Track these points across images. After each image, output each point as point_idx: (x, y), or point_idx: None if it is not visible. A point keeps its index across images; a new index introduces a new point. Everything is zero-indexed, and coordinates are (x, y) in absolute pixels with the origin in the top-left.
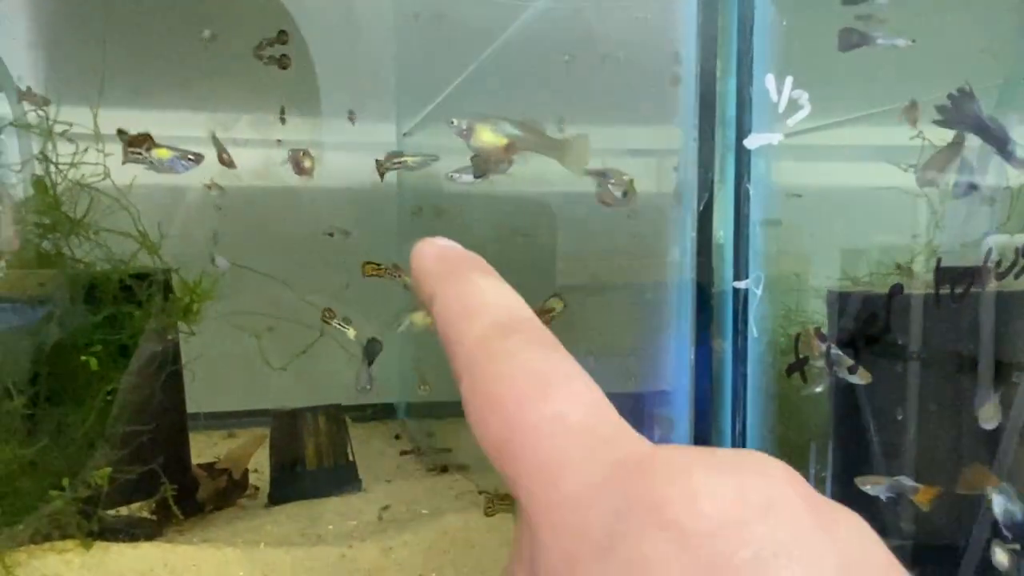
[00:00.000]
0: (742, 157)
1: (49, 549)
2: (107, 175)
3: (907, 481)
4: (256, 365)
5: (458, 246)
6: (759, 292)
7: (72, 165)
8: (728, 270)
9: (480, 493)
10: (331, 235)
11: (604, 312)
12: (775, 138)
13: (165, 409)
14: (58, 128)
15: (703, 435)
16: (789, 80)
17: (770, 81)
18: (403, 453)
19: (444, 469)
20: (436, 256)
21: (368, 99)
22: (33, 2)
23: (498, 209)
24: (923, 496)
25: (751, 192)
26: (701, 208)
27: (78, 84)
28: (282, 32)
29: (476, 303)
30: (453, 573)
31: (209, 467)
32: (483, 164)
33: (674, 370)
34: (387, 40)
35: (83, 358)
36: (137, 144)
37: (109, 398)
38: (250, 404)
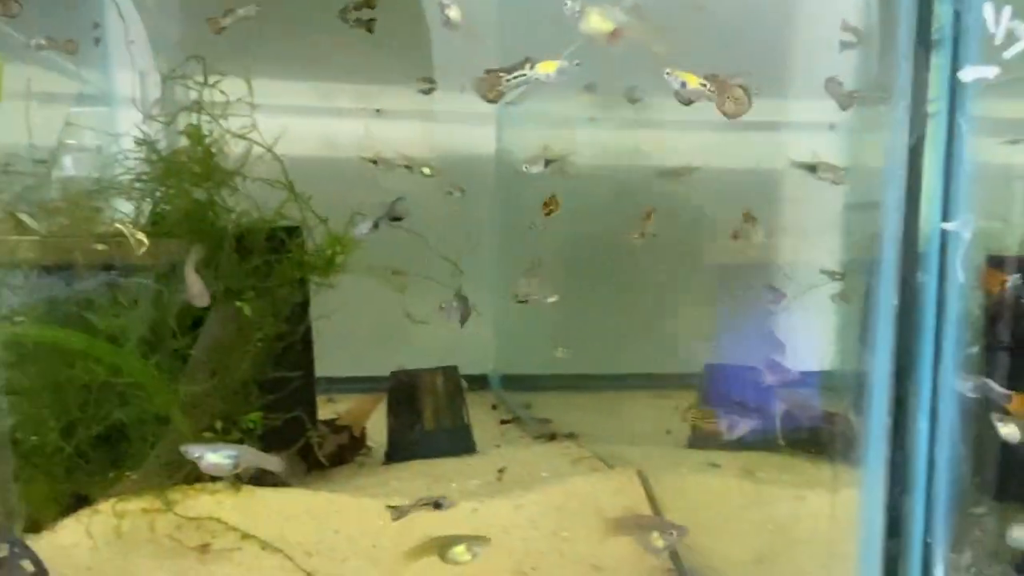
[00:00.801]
0: (956, 90)
1: (201, 490)
2: (255, 127)
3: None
4: (360, 334)
5: None
6: (967, 235)
7: (222, 115)
8: (936, 211)
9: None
10: (450, 193)
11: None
12: (991, 71)
13: (299, 362)
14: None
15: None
16: (1008, 10)
17: (988, 10)
18: (503, 422)
19: (552, 437)
20: None
21: (471, 69)
22: None
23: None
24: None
25: (964, 129)
26: (913, 143)
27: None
28: None
29: None
30: (586, 534)
31: (331, 423)
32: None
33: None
34: (490, 8)
35: (237, 304)
36: None
37: (259, 344)
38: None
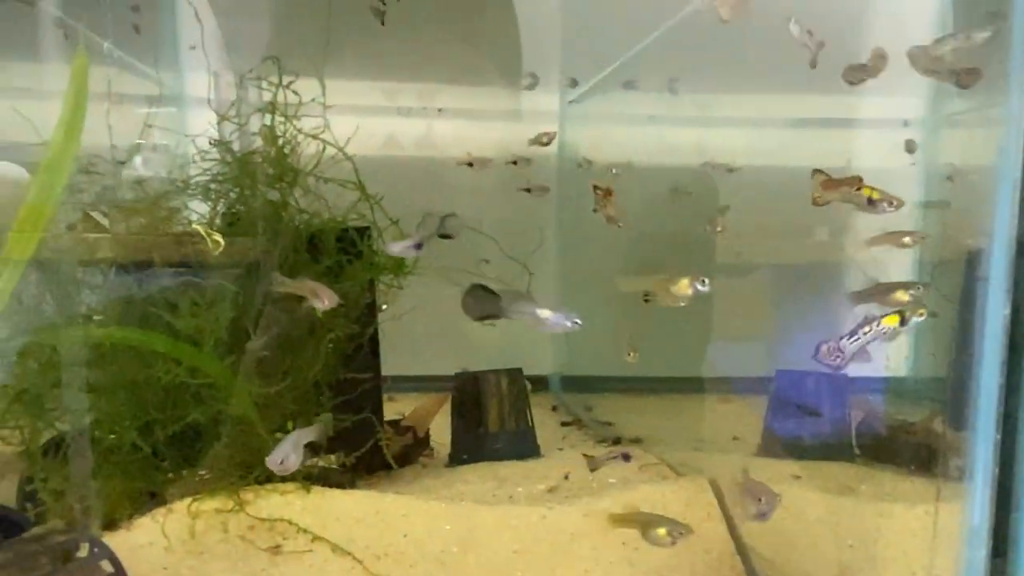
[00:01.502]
0: None
1: (272, 490)
2: (327, 127)
3: None
4: (420, 332)
5: None
6: None
7: (295, 116)
8: None
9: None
10: (528, 191)
11: None
12: None
13: (367, 363)
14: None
15: None
16: None
17: None
18: (564, 424)
19: (616, 441)
20: None
21: (532, 69)
22: None
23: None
24: None
25: None
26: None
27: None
28: None
29: None
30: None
31: (395, 424)
32: None
33: None
34: (553, 12)
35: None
36: None
37: (331, 345)
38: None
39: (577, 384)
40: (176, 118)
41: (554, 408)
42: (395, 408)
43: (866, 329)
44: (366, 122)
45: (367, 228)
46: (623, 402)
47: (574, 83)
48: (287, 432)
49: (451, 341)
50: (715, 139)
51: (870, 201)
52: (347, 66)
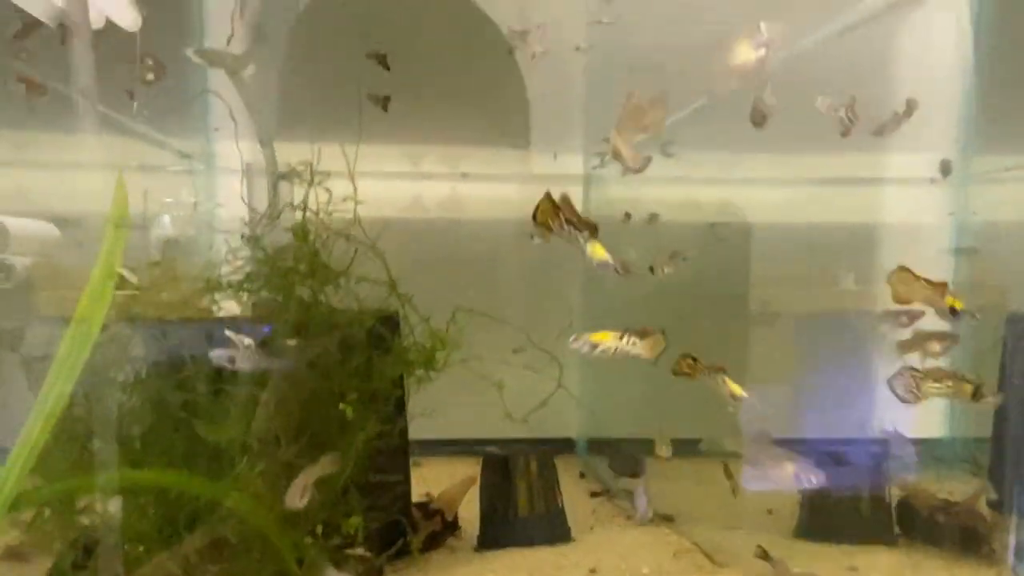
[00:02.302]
0: None
1: None
2: (358, 221)
3: None
4: (443, 394)
5: None
6: None
7: (327, 212)
8: None
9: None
10: (532, 236)
11: None
12: None
13: (397, 463)
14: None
15: None
16: None
17: None
18: (593, 495)
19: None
20: None
21: (557, 134)
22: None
23: None
24: None
25: None
26: None
27: (296, 122)
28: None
29: None
30: None
31: (423, 507)
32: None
33: None
34: (577, 80)
35: (341, 407)
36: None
37: (361, 447)
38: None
39: (604, 447)
40: (206, 183)
41: (582, 475)
42: (421, 475)
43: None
44: (392, 185)
45: (395, 318)
46: (652, 467)
47: (601, 158)
48: (315, 538)
49: (476, 404)
50: (743, 197)
51: (952, 311)
52: (374, 131)
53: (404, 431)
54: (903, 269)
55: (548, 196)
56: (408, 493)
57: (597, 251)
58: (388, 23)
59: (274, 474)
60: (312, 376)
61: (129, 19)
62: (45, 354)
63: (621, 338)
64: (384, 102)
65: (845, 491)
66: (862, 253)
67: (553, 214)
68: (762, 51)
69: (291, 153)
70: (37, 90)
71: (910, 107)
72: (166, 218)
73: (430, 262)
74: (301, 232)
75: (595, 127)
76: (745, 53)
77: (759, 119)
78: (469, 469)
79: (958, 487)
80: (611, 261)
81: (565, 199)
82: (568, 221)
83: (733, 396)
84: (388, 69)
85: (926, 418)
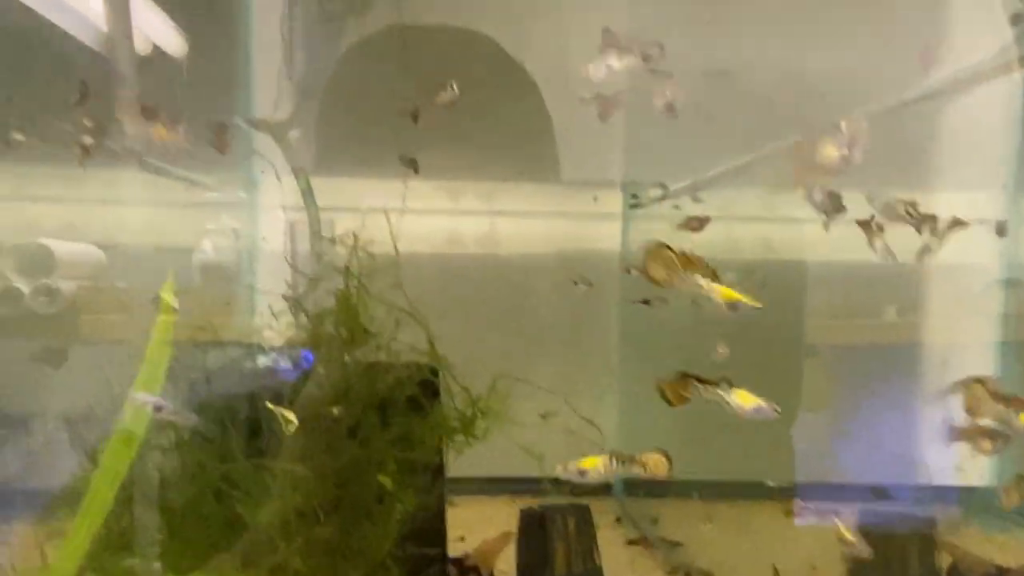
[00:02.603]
0: None
1: None
2: (399, 286)
3: None
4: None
5: None
6: None
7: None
8: None
9: None
10: (576, 283)
11: None
12: None
13: (434, 535)
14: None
15: None
16: None
17: None
18: (630, 542)
19: (687, 574)
20: None
21: (595, 170)
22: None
23: None
24: None
25: None
26: None
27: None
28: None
29: None
30: None
31: (459, 563)
32: None
33: None
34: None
35: (380, 477)
36: None
37: (399, 517)
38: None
39: (641, 488)
40: (249, 219)
41: (618, 520)
42: (454, 515)
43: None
44: (429, 221)
45: (436, 384)
46: (690, 510)
47: (635, 198)
48: None
49: (509, 443)
50: (782, 234)
51: None
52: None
53: (442, 498)
54: (979, 381)
55: (664, 245)
56: (445, 560)
57: (727, 293)
58: (425, 63)
59: (314, 551)
60: (351, 445)
61: (175, 44)
62: (87, 414)
63: (611, 462)
64: (413, 164)
65: (893, 553)
66: (908, 289)
67: (672, 263)
68: (845, 150)
69: (329, 188)
70: (89, 155)
71: (956, 223)
72: (207, 243)
73: (466, 297)
74: (343, 298)
75: (633, 165)
76: (829, 152)
77: (830, 210)
78: (504, 510)
79: (1010, 543)
80: (745, 301)
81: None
82: (687, 268)
83: (743, 408)
84: (416, 122)
85: (971, 462)
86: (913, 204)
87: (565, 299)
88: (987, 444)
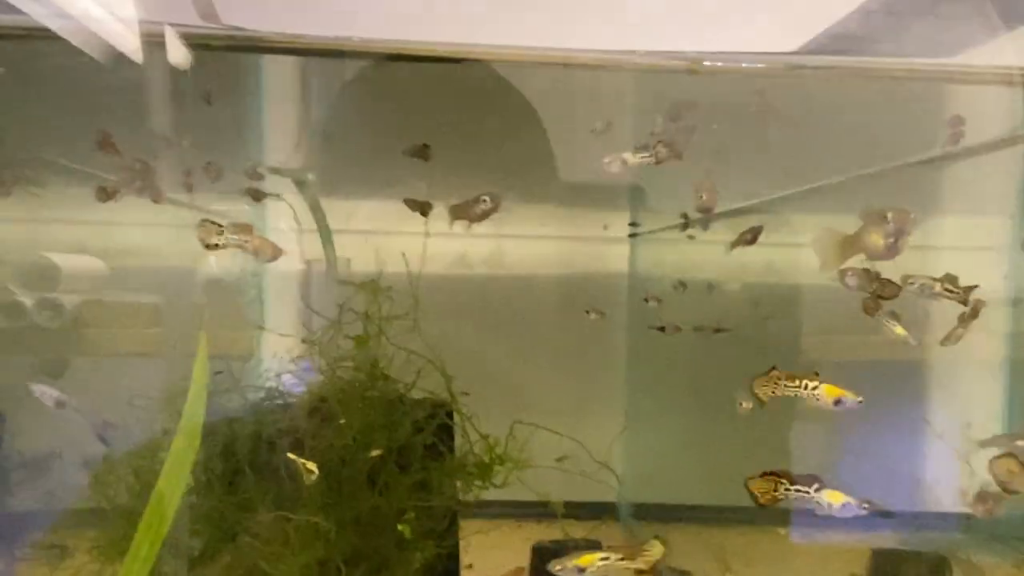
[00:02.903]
0: None
1: None
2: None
3: None
4: None
5: None
6: None
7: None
8: None
9: None
10: (588, 312)
11: None
12: None
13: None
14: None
15: None
16: None
17: None
18: (639, 573)
19: None
20: None
21: (605, 197)
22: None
23: None
24: None
25: None
26: None
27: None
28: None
29: None
30: None
31: None
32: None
33: None
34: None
35: (399, 526)
36: None
37: (417, 566)
38: None
39: (649, 513)
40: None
41: None
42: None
43: None
44: (438, 243)
45: (450, 428)
46: (700, 536)
47: (635, 226)
48: None
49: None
50: (788, 258)
51: None
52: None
53: (456, 541)
54: (1008, 455)
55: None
56: None
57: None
58: (431, 94)
59: None
60: (371, 493)
61: (180, 56)
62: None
63: (608, 558)
64: (424, 208)
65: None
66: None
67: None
68: (891, 239)
69: (338, 209)
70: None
71: (976, 308)
72: (212, 259)
73: (473, 318)
74: (363, 341)
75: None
76: (875, 241)
77: (871, 306)
78: (511, 536)
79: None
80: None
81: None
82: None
83: (837, 403)
84: (427, 160)
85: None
86: (952, 280)
87: (573, 323)
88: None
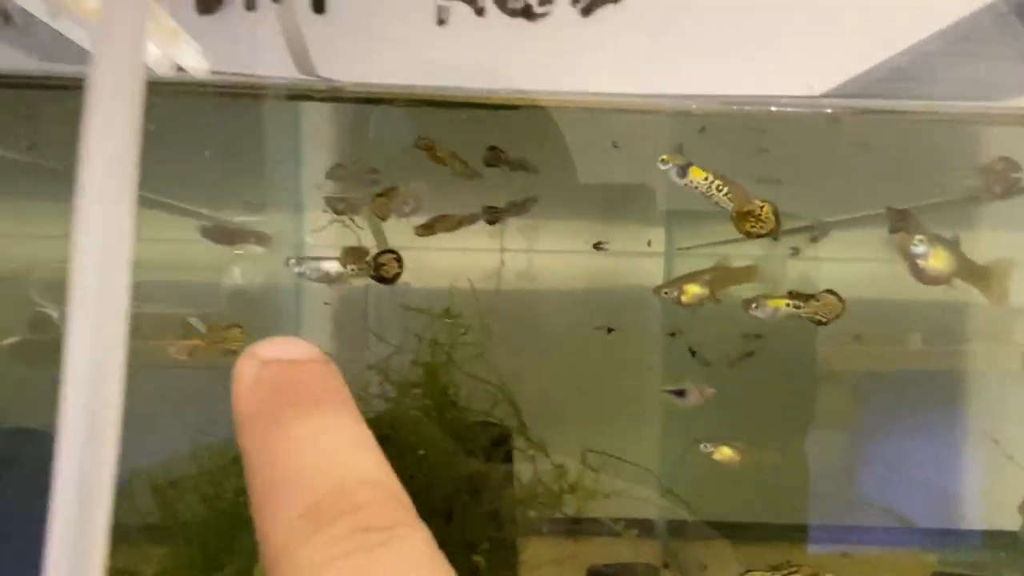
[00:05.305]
0: None
1: None
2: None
3: None
4: None
5: (296, 349)
6: None
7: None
8: None
9: None
10: (609, 330)
11: None
12: None
13: None
14: None
15: None
16: None
17: None
18: None
19: None
20: (251, 383)
21: (640, 212)
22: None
23: None
24: None
25: None
26: None
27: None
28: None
29: (289, 472)
30: None
31: None
32: None
33: None
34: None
35: (475, 558)
36: None
37: None
38: None
39: (687, 530)
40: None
41: (666, 565)
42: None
43: None
44: (472, 257)
45: (510, 453)
46: (741, 554)
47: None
48: None
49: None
50: (819, 272)
51: None
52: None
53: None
54: None
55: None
56: None
57: None
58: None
59: None
60: (446, 524)
61: (200, 66)
62: None
63: None
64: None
65: None
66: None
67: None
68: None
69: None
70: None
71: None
72: (236, 269)
73: (508, 330)
74: (430, 369)
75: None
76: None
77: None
78: (565, 552)
79: None
80: None
81: None
82: None
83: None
84: (501, 163)
85: (999, 502)
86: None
87: (604, 335)
88: None
